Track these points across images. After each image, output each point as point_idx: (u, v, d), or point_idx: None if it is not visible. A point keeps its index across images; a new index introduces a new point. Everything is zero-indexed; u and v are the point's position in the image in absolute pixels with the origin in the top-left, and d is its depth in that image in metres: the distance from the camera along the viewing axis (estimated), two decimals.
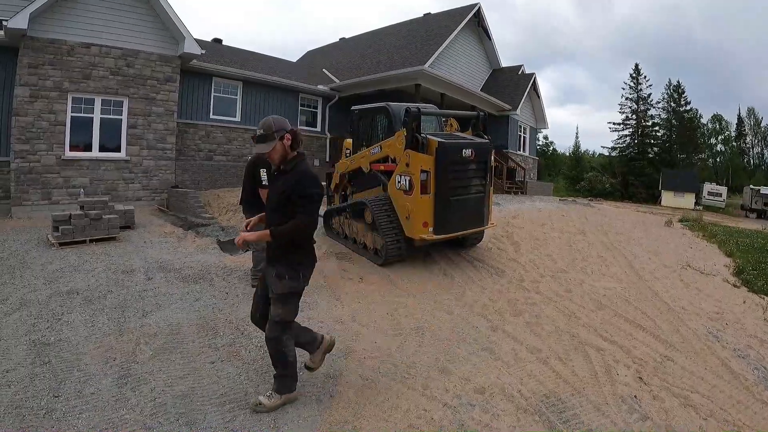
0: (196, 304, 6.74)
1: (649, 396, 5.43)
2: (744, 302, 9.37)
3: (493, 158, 9.82)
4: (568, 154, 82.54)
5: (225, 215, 13.31)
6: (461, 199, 8.70)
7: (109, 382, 4.55)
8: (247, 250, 8.24)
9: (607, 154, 67.40)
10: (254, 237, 4.19)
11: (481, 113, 9.98)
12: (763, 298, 9.68)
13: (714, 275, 11.14)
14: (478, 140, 9.20)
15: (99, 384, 4.51)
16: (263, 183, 7.38)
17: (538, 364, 5.87)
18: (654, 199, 48.78)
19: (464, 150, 8.60)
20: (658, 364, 6.27)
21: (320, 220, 11.25)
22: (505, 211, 14.85)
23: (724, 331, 7.77)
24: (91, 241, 9.64)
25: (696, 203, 45.78)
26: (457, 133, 9.78)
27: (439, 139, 8.42)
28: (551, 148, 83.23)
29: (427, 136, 8.57)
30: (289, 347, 4.31)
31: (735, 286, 10.53)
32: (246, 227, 4.75)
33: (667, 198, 46.42)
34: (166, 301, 6.77)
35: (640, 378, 5.82)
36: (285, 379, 4.37)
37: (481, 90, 27.21)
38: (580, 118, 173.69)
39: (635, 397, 5.37)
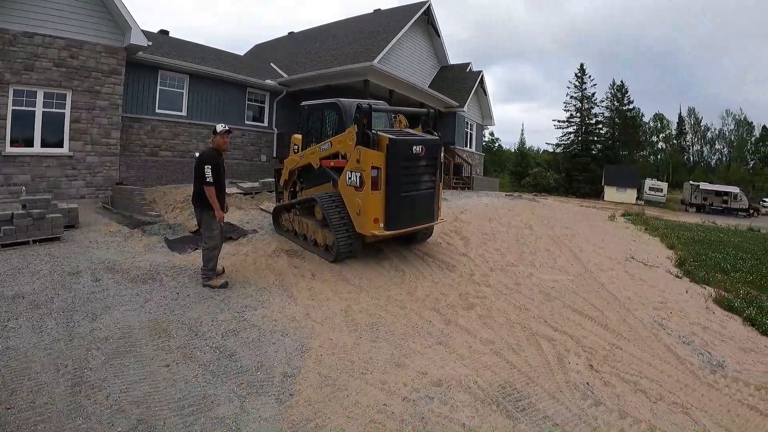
0: (146, 306, 6.66)
1: (600, 382, 5.73)
2: (686, 292, 9.92)
3: (442, 154, 9.94)
4: (513, 151, 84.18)
5: (172, 213, 13.10)
6: (412, 195, 8.80)
7: (62, 391, 4.48)
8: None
9: (552, 150, 69.22)
10: None
11: (431, 110, 10.11)
12: (705, 288, 10.27)
13: (657, 267, 11.69)
14: (428, 137, 9.33)
15: (52, 393, 4.43)
16: (207, 180, 7.37)
17: (492, 356, 6.07)
18: (597, 195, 50.44)
19: (414, 147, 8.71)
20: (608, 352, 6.58)
21: (270, 217, 11.24)
22: (453, 207, 15.07)
23: (668, 319, 8.20)
24: (34, 241, 9.34)
25: (638, 198, 47.73)
26: (407, 130, 9.87)
27: (390, 136, 8.50)
28: (497, 144, 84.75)
29: (378, 132, 8.64)
30: None
31: (677, 276, 11.12)
32: None
33: (610, 193, 48.15)
34: (115, 303, 6.66)
35: (591, 366, 6.12)
36: None
37: (429, 87, 27.46)
38: (528, 114, 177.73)
39: (587, 384, 5.65)
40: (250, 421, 4.30)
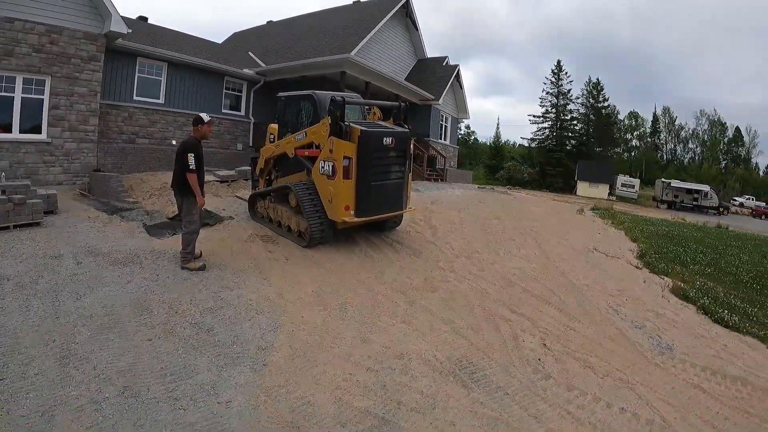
0: (128, 286, 6.95)
1: (552, 359, 6.23)
2: (644, 282, 10.43)
3: (412, 146, 10.40)
4: (489, 144, 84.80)
5: (149, 199, 13.30)
6: (381, 185, 9.27)
7: (52, 363, 4.81)
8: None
9: (527, 145, 69.88)
10: None
11: (403, 104, 10.52)
12: (663, 279, 10.76)
13: (618, 258, 12.19)
14: (399, 129, 9.77)
15: (42, 365, 4.75)
16: (191, 167, 7.68)
17: (452, 334, 6.56)
18: (570, 189, 51.16)
19: (385, 138, 9.17)
20: (561, 333, 7.09)
21: (246, 204, 11.55)
22: (425, 197, 15.52)
23: (624, 305, 8.71)
24: (15, 227, 9.47)
25: (610, 194, 48.62)
26: (379, 122, 10.29)
27: (362, 128, 8.92)
28: (473, 138, 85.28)
29: (351, 124, 9.04)
30: None
31: (637, 267, 11.61)
32: None
33: (583, 188, 48.93)
34: (98, 284, 6.94)
35: (545, 344, 6.62)
36: None
37: (405, 79, 27.75)
38: (504, 109, 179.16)
39: (539, 360, 6.16)
40: (227, 386, 4.74)
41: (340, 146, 8.75)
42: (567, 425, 4.85)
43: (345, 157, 8.72)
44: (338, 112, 8.89)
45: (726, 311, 9.09)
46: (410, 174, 10.33)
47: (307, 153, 9.87)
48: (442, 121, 30.99)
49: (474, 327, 6.89)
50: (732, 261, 14.39)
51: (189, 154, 7.71)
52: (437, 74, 30.09)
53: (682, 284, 10.45)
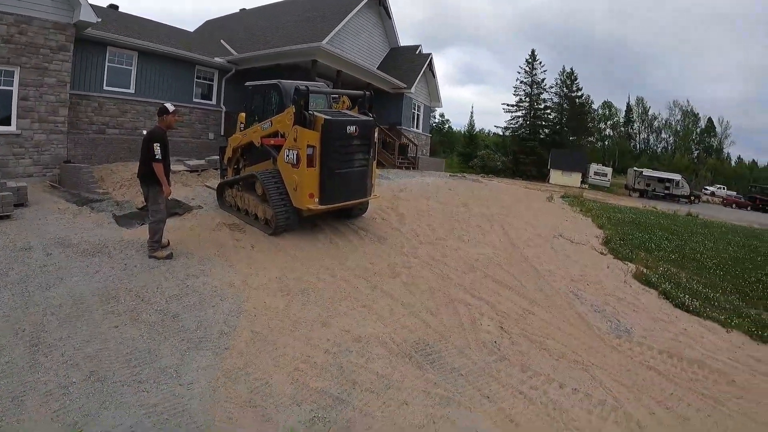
0: (96, 276, 7.11)
1: (508, 342, 6.50)
2: (608, 267, 10.70)
3: (377, 134, 10.64)
4: (463, 132, 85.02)
5: (119, 190, 13.33)
6: (345, 172, 9.51)
7: (22, 351, 5.02)
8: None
9: (501, 133, 70.25)
10: None
11: (368, 93, 10.78)
12: (627, 264, 11.02)
13: (584, 244, 12.47)
14: (363, 118, 10.03)
15: (12, 353, 4.95)
16: (156, 157, 7.85)
17: (410, 317, 6.83)
18: (543, 178, 51.61)
19: (349, 126, 9.41)
20: (520, 317, 7.35)
21: (214, 193, 11.69)
22: (394, 185, 15.75)
23: (585, 290, 8.97)
24: None
25: (583, 182, 49.11)
26: (344, 111, 10.50)
27: (326, 116, 9.14)
28: (447, 126, 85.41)
29: (314, 113, 9.25)
30: None
31: (602, 253, 11.89)
32: None
33: (556, 176, 49.36)
34: (67, 275, 7.10)
35: (502, 327, 6.88)
36: None
37: (378, 68, 27.77)
38: (481, 98, 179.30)
39: (495, 342, 6.42)
40: (190, 370, 4.99)
41: (304, 135, 8.94)
42: (518, 404, 5.09)
43: (309, 146, 8.93)
44: (302, 101, 9.08)
45: (687, 296, 9.33)
46: (375, 162, 10.57)
47: (272, 142, 10.02)
48: (415, 109, 31.15)
49: (433, 311, 7.16)
50: (697, 248, 14.70)
51: (154, 144, 7.86)
52: (410, 63, 30.16)
53: (646, 270, 10.68)
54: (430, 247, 10.28)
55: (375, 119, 10.34)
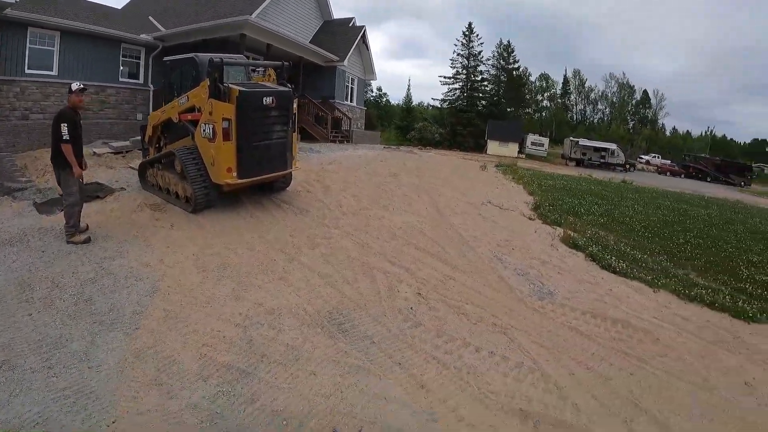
0: (13, 266, 6.84)
1: (425, 308, 6.50)
2: (535, 232, 10.85)
3: (296, 105, 10.46)
4: (400, 105, 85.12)
5: (43, 177, 12.74)
6: (263, 145, 9.35)
7: None
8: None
9: (438, 106, 70.59)
10: None
11: (285, 63, 10.56)
12: (555, 229, 11.24)
13: (512, 210, 12.64)
14: (280, 89, 9.82)
15: None
16: (64, 138, 7.50)
17: (326, 288, 6.77)
18: (480, 149, 52.07)
19: (265, 98, 9.21)
20: (440, 283, 7.35)
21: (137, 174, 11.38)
22: (324, 159, 15.62)
23: (509, 255, 9.05)
24: None
25: (520, 152, 49.72)
26: (262, 83, 10.27)
27: (240, 88, 8.90)
28: (385, 100, 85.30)
29: (229, 85, 9.00)
30: None
31: (530, 219, 12.07)
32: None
33: (493, 147, 49.83)
34: None
35: (420, 294, 6.88)
36: None
37: (311, 41, 27.32)
38: (419, 71, 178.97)
39: (412, 308, 6.41)
40: (100, 352, 4.87)
41: (219, 108, 8.72)
42: (431, 369, 5.11)
43: (224, 119, 8.72)
44: (216, 73, 8.80)
45: (614, 258, 9.54)
46: (295, 133, 10.44)
47: (190, 117, 9.75)
48: (348, 82, 30.89)
49: (350, 280, 7.13)
50: (626, 212, 15.13)
51: (62, 124, 7.51)
52: (343, 35, 29.79)
53: (574, 234, 10.87)
54: (353, 217, 10.24)
55: (293, 90, 10.17)
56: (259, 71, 11.89)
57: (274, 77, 10.68)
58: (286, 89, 9.92)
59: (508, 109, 70.24)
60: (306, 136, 23.38)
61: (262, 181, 9.97)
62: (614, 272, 8.92)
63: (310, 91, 26.19)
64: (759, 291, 8.91)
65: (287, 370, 4.83)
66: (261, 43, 21.37)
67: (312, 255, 7.96)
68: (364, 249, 8.44)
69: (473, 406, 4.63)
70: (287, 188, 11.32)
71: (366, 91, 55.43)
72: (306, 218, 9.84)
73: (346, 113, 28.77)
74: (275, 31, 21.56)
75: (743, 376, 6.00)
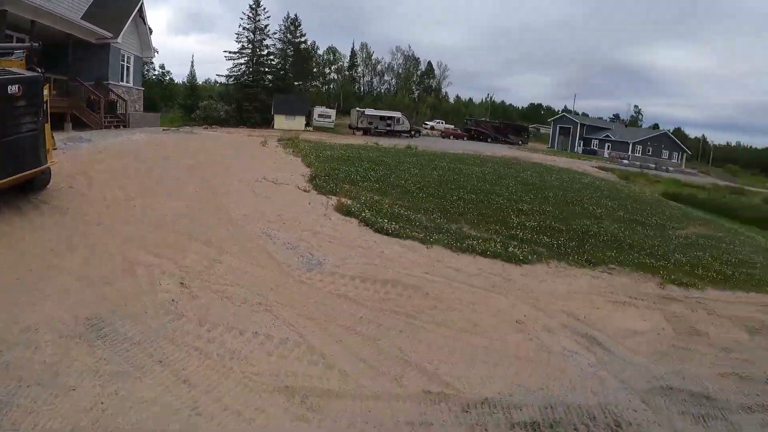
0: None
1: (188, 297, 6.41)
2: (309, 203, 11.09)
3: (47, 92, 9.46)
4: (184, 83, 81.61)
5: None
6: (9, 141, 8.19)
7: None
8: None
9: (225, 82, 68.93)
10: None
11: (35, 44, 9.62)
12: (330, 198, 11.59)
13: (287, 184, 12.82)
14: (27, 74, 8.78)
15: None
16: None
17: (86, 291, 6.36)
18: (268, 124, 51.89)
19: (10, 86, 8.07)
20: (205, 269, 7.27)
21: None
22: (94, 148, 14.56)
23: (279, 230, 9.16)
24: None
25: (307, 125, 50.40)
26: (6, 68, 8.92)
27: None
28: (168, 78, 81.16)
29: None
30: None
31: (305, 191, 12.34)
32: None
33: (279, 121, 49.95)
34: None
35: (183, 283, 6.76)
36: None
37: (83, 17, 24.77)
38: (206, 46, 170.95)
39: (173, 300, 6.28)
40: None
41: None
42: (193, 362, 5.08)
43: None
44: None
45: (387, 220, 10.06)
46: (47, 123, 9.40)
47: None
48: (124, 61, 28.60)
49: (110, 279, 6.76)
50: (402, 175, 16.11)
51: None
52: (117, 9, 27.30)
53: (348, 201, 11.28)
54: (117, 209, 9.68)
55: (43, 74, 9.18)
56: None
57: (19, 63, 9.60)
58: (35, 74, 8.89)
59: (296, 83, 70.59)
60: (79, 124, 21.47)
61: (11, 183, 8.61)
62: (387, 234, 9.43)
63: (82, 72, 23.72)
64: (528, 235, 10.10)
65: (47, 391, 4.49)
66: (25, 20, 18.90)
67: (71, 258, 7.34)
68: (126, 244, 7.99)
69: (237, 392, 4.72)
70: (48, 186, 10.03)
71: (147, 70, 52.29)
72: (65, 217, 8.95)
73: (122, 95, 26.77)
74: (40, 5, 19.15)
75: (514, 315, 6.77)
